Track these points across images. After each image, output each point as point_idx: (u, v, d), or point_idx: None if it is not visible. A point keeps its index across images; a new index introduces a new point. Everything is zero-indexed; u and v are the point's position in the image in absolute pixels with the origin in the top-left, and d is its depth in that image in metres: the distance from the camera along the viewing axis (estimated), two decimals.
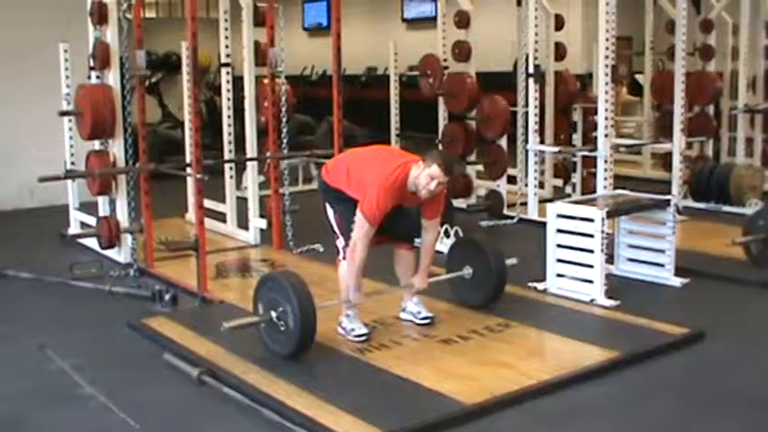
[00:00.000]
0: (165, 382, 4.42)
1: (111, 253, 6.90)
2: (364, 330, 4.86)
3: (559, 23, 9.85)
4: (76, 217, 7.84)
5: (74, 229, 7.87)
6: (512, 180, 9.10)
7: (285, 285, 4.52)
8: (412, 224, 5.04)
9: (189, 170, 6.61)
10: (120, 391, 4.26)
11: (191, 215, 8.13)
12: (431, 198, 4.80)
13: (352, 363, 4.63)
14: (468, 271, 5.36)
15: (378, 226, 4.69)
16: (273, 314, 4.52)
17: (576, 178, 8.99)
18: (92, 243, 7.05)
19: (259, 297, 4.69)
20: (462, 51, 8.60)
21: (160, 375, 4.50)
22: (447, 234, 7.14)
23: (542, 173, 9.28)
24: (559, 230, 5.80)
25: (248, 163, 7.71)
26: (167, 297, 5.65)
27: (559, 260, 5.80)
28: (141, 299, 5.76)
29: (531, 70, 8.29)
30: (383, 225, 4.78)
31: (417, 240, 5.11)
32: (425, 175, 4.67)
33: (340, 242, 4.98)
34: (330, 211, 5.00)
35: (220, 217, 7.91)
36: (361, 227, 4.67)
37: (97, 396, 4.20)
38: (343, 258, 4.94)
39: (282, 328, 4.49)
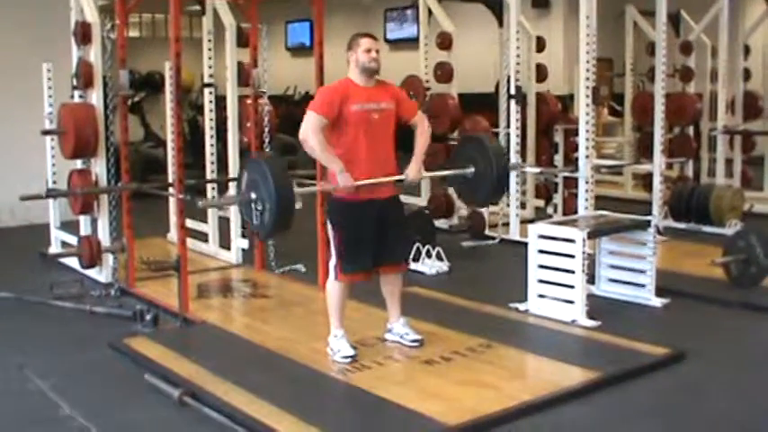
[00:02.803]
0: (146, 403, 4.39)
1: (92, 272, 6.87)
2: (351, 352, 4.84)
3: (541, 45, 9.93)
4: (57, 236, 7.81)
5: (55, 248, 7.84)
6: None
7: (264, 167, 4.51)
8: (401, 246, 5.10)
9: (171, 190, 6.60)
10: (100, 412, 4.23)
11: (173, 235, 8.11)
12: (403, 103, 4.94)
13: (335, 384, 4.62)
14: (470, 170, 5.32)
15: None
16: (253, 195, 4.52)
17: (558, 199, 9.03)
18: (73, 262, 7.02)
19: (241, 179, 4.68)
20: (444, 72, 8.66)
21: (141, 396, 4.47)
22: (429, 255, 7.17)
23: (524, 193, 9.32)
24: (541, 251, 5.82)
25: (230, 183, 7.70)
26: (149, 317, 5.63)
27: (541, 281, 5.82)
28: (122, 319, 5.73)
29: (512, 91, 8.34)
30: (375, 252, 4.83)
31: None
32: (361, 53, 4.80)
33: (332, 261, 4.97)
34: (328, 226, 5.00)
35: (202, 237, 7.89)
36: (308, 120, 4.69)
37: (77, 418, 4.16)
38: (335, 278, 4.93)
39: (260, 209, 4.50)
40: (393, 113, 4.88)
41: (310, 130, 4.67)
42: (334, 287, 4.94)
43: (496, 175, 5.24)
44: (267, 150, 7.23)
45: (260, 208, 4.50)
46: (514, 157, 8.35)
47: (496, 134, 9.07)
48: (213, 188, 7.89)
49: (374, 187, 4.81)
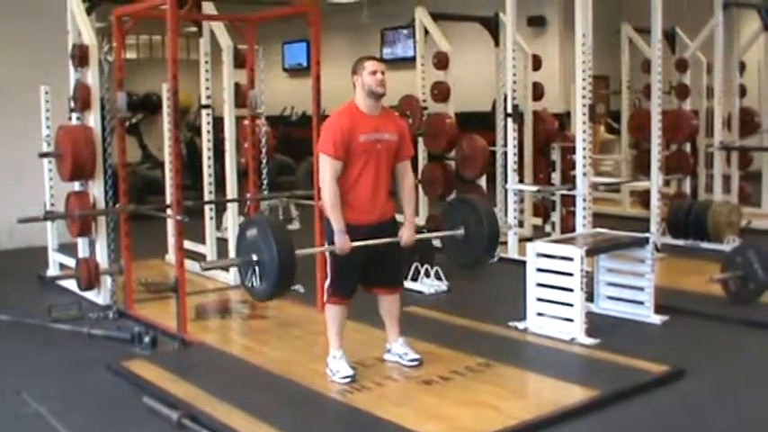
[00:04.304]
0: (144, 426, 4.38)
1: (90, 295, 6.86)
2: (350, 372, 4.83)
3: (537, 63, 9.95)
4: (55, 258, 7.80)
5: (52, 270, 7.83)
6: None
7: (265, 226, 4.53)
8: (395, 269, 5.10)
9: (169, 211, 6.60)
10: None
11: (170, 256, 8.10)
12: (400, 138, 4.87)
13: (334, 404, 4.61)
14: (460, 231, 5.32)
15: (354, 255, 4.70)
16: (254, 257, 4.51)
17: (556, 217, 9.03)
18: (71, 285, 7.01)
19: (240, 240, 4.70)
20: (441, 92, 8.68)
21: (140, 419, 4.45)
22: (427, 274, 7.16)
23: (522, 212, 9.32)
24: (539, 269, 5.82)
25: (228, 204, 7.71)
26: (147, 339, 5.61)
27: (539, 299, 5.81)
28: (120, 341, 5.71)
29: (509, 110, 8.35)
30: (371, 272, 4.84)
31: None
32: (367, 76, 4.77)
33: (327, 282, 4.96)
34: (326, 246, 4.97)
35: (200, 258, 7.87)
36: (324, 166, 4.70)
37: None
38: (327, 301, 4.93)
39: (261, 270, 4.50)
40: (395, 145, 4.87)
41: (328, 179, 4.68)
42: (332, 309, 4.93)
43: (488, 237, 5.29)
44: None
45: (260, 270, 4.52)
46: (512, 176, 8.36)
47: (494, 153, 9.08)
48: (211, 209, 7.88)
49: (370, 214, 4.82)
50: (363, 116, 4.79)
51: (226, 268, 7.22)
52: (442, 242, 5.56)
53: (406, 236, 4.93)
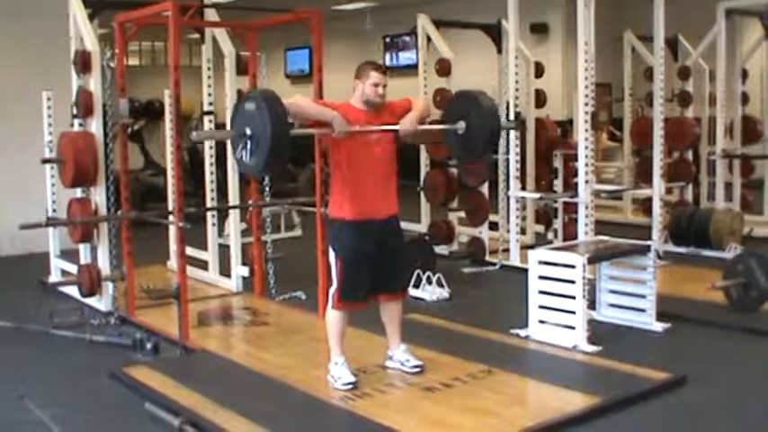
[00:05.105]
0: None
1: (91, 301, 6.86)
2: (352, 379, 4.83)
3: (539, 71, 9.97)
4: (57, 265, 7.81)
5: (54, 276, 7.83)
6: (493, 226, 9.12)
7: (261, 100, 4.48)
8: (400, 275, 5.11)
9: (171, 218, 6.60)
10: None
11: (172, 263, 8.11)
12: (399, 108, 4.90)
13: (336, 411, 4.60)
14: (461, 125, 5.22)
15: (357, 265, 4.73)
16: (248, 130, 4.49)
17: (558, 224, 9.03)
18: (72, 291, 7.01)
19: (235, 114, 4.68)
20: (444, 99, 8.67)
21: (141, 425, 4.45)
22: (429, 281, 7.15)
23: (524, 219, 9.32)
24: (541, 277, 5.81)
25: (230, 210, 7.71)
26: (149, 346, 5.62)
27: (541, 306, 5.81)
28: (122, 347, 5.72)
29: (511, 117, 8.36)
30: (374, 279, 4.84)
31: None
32: (369, 86, 4.79)
33: (332, 288, 4.95)
34: (330, 253, 4.96)
35: (202, 264, 7.88)
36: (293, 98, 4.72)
37: None
38: (333, 307, 4.92)
39: (254, 144, 4.47)
40: (392, 137, 4.88)
41: (297, 95, 4.71)
42: (333, 315, 4.93)
43: (489, 129, 5.16)
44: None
45: (253, 144, 4.47)
46: (514, 183, 8.36)
47: (496, 160, 9.09)
48: (213, 215, 7.89)
49: (373, 207, 4.82)
50: (357, 110, 4.83)
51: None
52: (445, 139, 5.43)
53: (408, 121, 4.87)
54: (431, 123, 5.62)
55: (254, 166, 4.55)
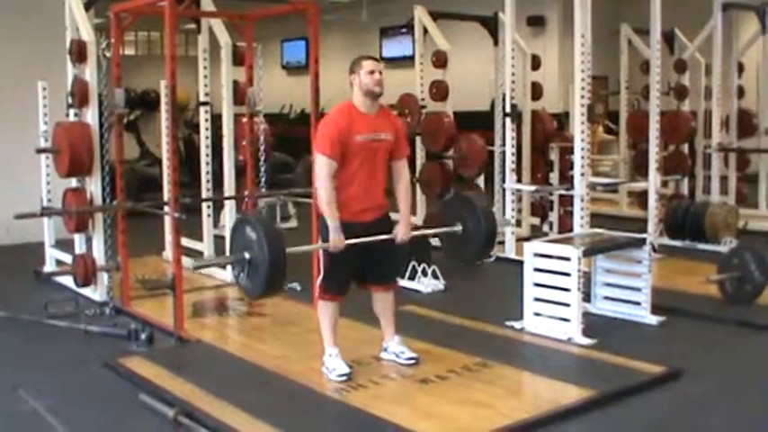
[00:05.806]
0: (141, 423, 4.37)
1: (86, 291, 6.85)
2: (346, 370, 4.83)
3: (536, 63, 9.95)
4: (52, 254, 7.79)
5: (49, 266, 7.81)
6: None
7: (257, 225, 4.53)
8: (390, 266, 5.09)
9: (166, 208, 6.59)
10: None
11: (168, 253, 8.10)
12: (396, 137, 4.87)
13: (330, 403, 4.61)
14: (458, 228, 5.31)
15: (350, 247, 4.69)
16: (247, 255, 4.52)
17: (554, 217, 9.04)
18: (67, 281, 7.00)
19: (233, 238, 4.72)
20: (440, 91, 8.68)
21: (136, 416, 4.45)
22: (424, 273, 7.16)
23: (519, 211, 9.32)
24: (536, 269, 5.81)
25: (226, 201, 7.70)
26: (143, 336, 5.61)
27: (537, 299, 5.81)
28: (117, 338, 5.71)
29: (508, 109, 8.34)
30: (365, 269, 4.84)
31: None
32: (365, 75, 4.77)
33: (319, 278, 4.96)
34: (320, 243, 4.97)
35: (198, 255, 7.87)
36: (320, 165, 4.69)
37: None
38: (319, 297, 4.93)
39: (252, 269, 4.51)
40: (391, 144, 4.88)
41: (323, 178, 4.68)
42: (323, 306, 4.94)
43: (485, 233, 5.28)
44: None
45: (251, 269, 4.52)
46: (510, 175, 8.35)
47: (492, 152, 9.09)
48: (209, 206, 7.88)
49: (363, 210, 4.82)
50: (361, 115, 4.79)
51: (220, 266, 7.21)
52: (440, 239, 5.55)
53: (401, 232, 4.93)
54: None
55: (252, 288, 4.61)
